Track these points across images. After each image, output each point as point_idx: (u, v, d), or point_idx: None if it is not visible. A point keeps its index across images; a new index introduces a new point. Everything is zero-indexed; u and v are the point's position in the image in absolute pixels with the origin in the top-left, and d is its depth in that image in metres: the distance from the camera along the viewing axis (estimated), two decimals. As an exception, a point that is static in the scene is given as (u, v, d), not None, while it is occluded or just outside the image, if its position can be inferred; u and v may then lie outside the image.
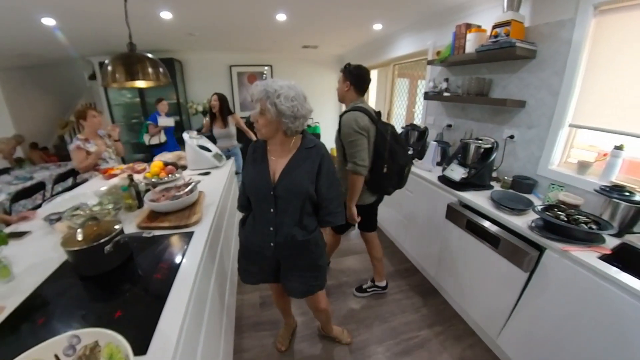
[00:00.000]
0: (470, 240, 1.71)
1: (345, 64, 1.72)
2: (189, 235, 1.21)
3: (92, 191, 1.61)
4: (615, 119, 1.51)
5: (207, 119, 3.26)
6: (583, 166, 1.66)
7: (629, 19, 1.42)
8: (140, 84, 1.92)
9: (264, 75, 5.05)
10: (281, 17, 2.64)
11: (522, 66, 1.94)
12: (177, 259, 1.07)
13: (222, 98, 3.15)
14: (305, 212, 1.17)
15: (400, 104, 3.93)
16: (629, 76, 1.44)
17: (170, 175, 1.90)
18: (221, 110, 3.15)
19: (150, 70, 1.74)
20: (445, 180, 2.00)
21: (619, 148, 1.46)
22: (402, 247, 2.68)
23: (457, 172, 1.91)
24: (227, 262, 1.74)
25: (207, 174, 2.10)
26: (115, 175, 2.16)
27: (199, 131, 2.57)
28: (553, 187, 1.72)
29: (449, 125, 2.59)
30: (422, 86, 3.70)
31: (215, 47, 4.32)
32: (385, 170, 1.62)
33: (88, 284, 0.95)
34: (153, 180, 1.86)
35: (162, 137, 3.68)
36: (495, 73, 2.14)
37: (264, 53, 4.84)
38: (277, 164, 1.14)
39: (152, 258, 1.08)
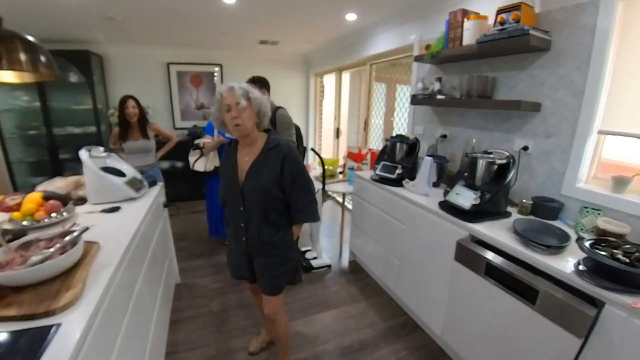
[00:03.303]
0: (493, 291, 1.43)
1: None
2: (45, 334, 0.77)
3: None
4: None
5: (117, 128, 2.76)
6: (620, 182, 1.48)
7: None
8: (6, 76, 1.45)
9: (215, 77, 4.65)
10: (229, -2, 2.33)
11: (533, 61, 1.79)
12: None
13: (138, 103, 2.75)
14: (273, 210, 1.41)
15: (378, 112, 3.74)
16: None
17: (54, 216, 1.42)
18: (140, 119, 2.73)
19: (22, 56, 1.31)
20: (448, 207, 1.74)
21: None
22: (394, 294, 2.35)
23: (464, 197, 1.65)
24: None
25: (114, 210, 1.62)
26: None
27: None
28: (587, 212, 1.52)
29: (444, 136, 2.39)
30: (403, 92, 3.57)
31: (149, 39, 3.88)
32: None
33: None
34: (24, 223, 1.37)
35: (217, 160, 2.85)
36: (499, 70, 1.97)
37: (211, 49, 4.47)
38: (245, 163, 1.38)
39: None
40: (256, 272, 1.53)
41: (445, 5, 2.25)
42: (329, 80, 4.99)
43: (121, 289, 1.10)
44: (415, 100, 2.33)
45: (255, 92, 1.33)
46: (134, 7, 2.59)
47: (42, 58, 1.30)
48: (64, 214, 1.45)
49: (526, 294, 1.28)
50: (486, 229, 1.53)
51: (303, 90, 5.23)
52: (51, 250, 0.98)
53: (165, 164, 4.24)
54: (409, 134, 2.34)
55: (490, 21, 1.88)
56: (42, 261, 0.93)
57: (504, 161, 1.64)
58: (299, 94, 5.19)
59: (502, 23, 1.74)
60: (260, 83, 2.39)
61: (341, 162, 3.33)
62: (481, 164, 1.67)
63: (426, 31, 2.50)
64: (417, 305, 2.07)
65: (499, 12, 1.75)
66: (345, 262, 2.94)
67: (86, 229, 1.09)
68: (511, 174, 1.63)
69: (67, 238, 1.03)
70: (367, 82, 3.54)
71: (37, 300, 0.87)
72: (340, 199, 3.33)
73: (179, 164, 4.45)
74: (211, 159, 2.79)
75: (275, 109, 2.31)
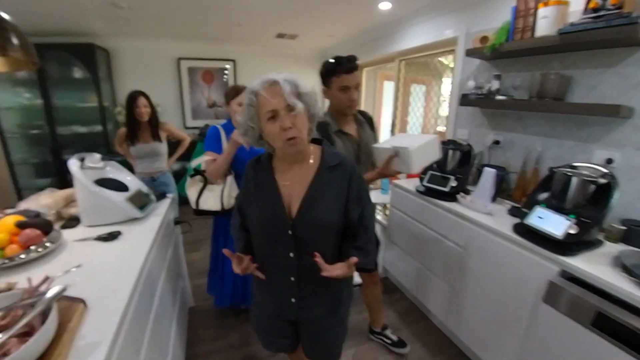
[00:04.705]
0: (604, 348, 1.06)
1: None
2: None
3: None
4: None
5: (123, 129, 2.39)
6: None
7: None
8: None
9: (225, 74, 4.24)
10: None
11: (624, 57, 1.42)
12: None
13: (150, 101, 2.35)
14: (339, 250, 0.99)
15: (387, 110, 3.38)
16: None
17: (34, 250, 1.04)
18: (151, 118, 2.35)
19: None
20: (528, 233, 1.37)
21: None
22: (438, 321, 1.99)
23: (554, 223, 1.28)
24: None
25: (112, 237, 1.23)
26: None
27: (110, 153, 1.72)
28: None
29: (496, 142, 2.00)
30: (415, 91, 3.22)
31: (158, 31, 3.47)
32: None
33: None
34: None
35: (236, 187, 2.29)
36: (576, 67, 1.60)
37: (224, 43, 4.06)
38: (292, 190, 0.94)
39: None
40: (304, 337, 1.11)
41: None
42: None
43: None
44: (466, 100, 1.94)
45: (305, 85, 0.90)
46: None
47: (14, 39, 0.92)
48: (47, 245, 1.07)
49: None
50: (585, 264, 1.17)
51: (319, 89, 4.80)
52: (2, 337, 0.57)
53: (177, 165, 3.85)
54: (461, 140, 1.95)
55: (572, 8, 1.50)
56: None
57: (605, 180, 1.26)
58: (316, 93, 4.77)
59: (595, 9, 1.35)
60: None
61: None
62: (575, 182, 1.29)
63: (474, 22, 2.11)
64: (472, 341, 1.70)
65: (593, -5, 1.37)
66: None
67: (63, 289, 0.70)
68: (615, 197, 1.25)
69: (32, 314, 0.62)
70: (399, 80, 3.12)
71: None
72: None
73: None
74: (229, 187, 1.67)
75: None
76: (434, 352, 1.80)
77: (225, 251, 0.92)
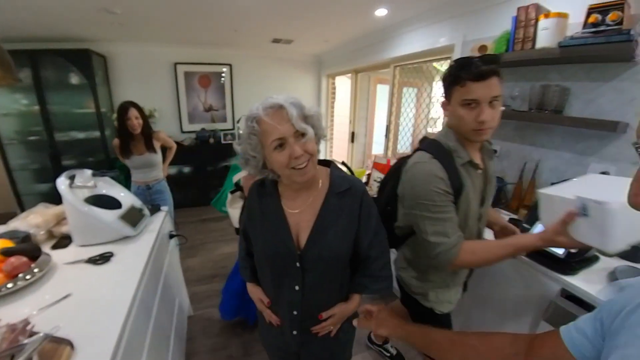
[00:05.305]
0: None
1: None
2: None
3: None
4: None
5: (117, 140, 2.30)
6: None
7: None
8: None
9: (222, 78, 4.14)
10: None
11: (620, 72, 1.38)
12: None
13: (142, 111, 2.26)
14: (345, 283, 0.92)
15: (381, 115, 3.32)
16: None
17: (21, 277, 0.97)
18: (144, 130, 2.25)
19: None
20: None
21: None
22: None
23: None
24: None
25: (104, 259, 1.16)
26: None
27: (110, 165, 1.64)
28: None
29: (494, 151, 1.94)
30: (409, 93, 3.17)
31: (154, 36, 3.38)
32: None
33: None
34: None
35: None
36: (575, 80, 1.55)
37: (220, 48, 3.96)
38: (300, 218, 0.85)
39: None
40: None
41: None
42: (340, 82, 4.52)
43: None
44: (464, 110, 1.87)
45: (310, 107, 0.79)
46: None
47: None
48: (35, 271, 1.00)
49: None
50: (584, 283, 1.13)
51: (314, 92, 4.73)
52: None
53: (173, 170, 3.78)
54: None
55: (572, 20, 1.44)
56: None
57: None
58: (310, 96, 4.69)
59: (594, 24, 1.30)
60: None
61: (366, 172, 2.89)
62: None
63: (471, 30, 2.05)
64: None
65: (592, 10, 1.31)
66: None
67: (44, 339, 0.63)
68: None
69: None
70: (395, 86, 3.05)
71: None
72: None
73: (186, 169, 4.03)
74: None
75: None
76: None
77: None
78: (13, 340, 0.66)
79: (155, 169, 2.39)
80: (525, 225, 1.40)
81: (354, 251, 0.88)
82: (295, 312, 0.89)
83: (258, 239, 0.90)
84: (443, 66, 2.55)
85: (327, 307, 0.90)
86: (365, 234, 0.87)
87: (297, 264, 0.83)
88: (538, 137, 1.73)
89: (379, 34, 2.99)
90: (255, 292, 0.98)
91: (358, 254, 0.90)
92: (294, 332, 0.92)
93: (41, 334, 0.65)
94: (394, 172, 1.12)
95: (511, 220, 1.60)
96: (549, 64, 1.59)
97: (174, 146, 2.61)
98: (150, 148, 2.29)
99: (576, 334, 0.50)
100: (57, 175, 1.25)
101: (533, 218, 1.37)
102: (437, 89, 2.98)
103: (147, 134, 2.28)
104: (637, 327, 0.40)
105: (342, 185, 0.86)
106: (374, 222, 0.89)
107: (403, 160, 1.09)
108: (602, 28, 1.28)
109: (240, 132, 0.82)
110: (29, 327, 0.71)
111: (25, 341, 0.65)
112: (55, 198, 1.30)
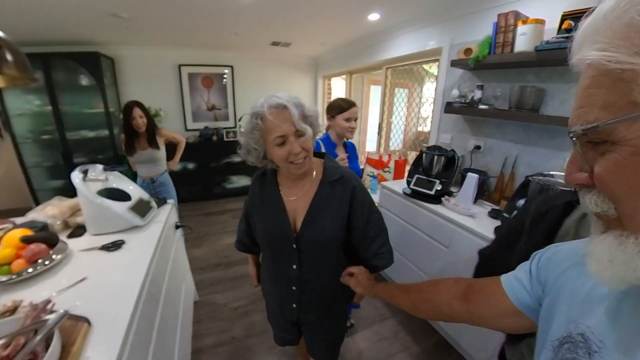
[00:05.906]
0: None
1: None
2: None
3: None
4: None
5: (123, 135, 2.36)
6: None
7: None
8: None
9: (224, 78, 4.19)
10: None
11: (593, 73, 1.40)
12: None
13: (145, 110, 2.33)
14: (340, 263, 0.99)
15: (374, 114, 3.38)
16: None
17: (40, 263, 1.04)
18: (149, 128, 2.33)
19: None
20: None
21: None
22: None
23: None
24: None
25: (116, 246, 1.25)
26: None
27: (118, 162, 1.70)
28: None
29: (477, 147, 2.01)
30: (400, 94, 3.23)
31: (159, 40, 3.44)
32: None
33: None
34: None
35: None
36: (550, 81, 1.61)
37: (222, 50, 4.02)
38: (296, 204, 0.93)
39: None
40: (305, 336, 1.15)
41: (485, 6, 1.85)
42: (336, 82, 4.57)
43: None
44: (450, 108, 1.95)
45: (309, 106, 0.86)
46: (139, 3, 2.14)
47: (8, 56, 0.90)
48: (54, 257, 1.08)
49: None
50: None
51: (311, 92, 4.80)
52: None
53: (178, 166, 3.82)
54: (446, 146, 1.96)
55: (548, 26, 1.49)
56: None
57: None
58: (307, 96, 4.75)
59: (568, 29, 1.36)
60: None
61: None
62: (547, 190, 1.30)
63: (457, 34, 2.11)
64: (452, 329, 1.75)
65: (565, 16, 1.37)
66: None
67: (64, 314, 0.70)
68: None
69: (34, 342, 0.61)
70: (387, 87, 3.11)
71: None
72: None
73: (190, 165, 4.09)
74: None
75: None
76: (418, 340, 1.86)
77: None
78: (36, 317, 0.72)
79: (158, 163, 2.46)
80: (505, 215, 1.47)
81: (352, 233, 0.95)
82: (294, 288, 0.98)
83: (259, 223, 0.99)
84: (432, 68, 2.60)
85: (324, 285, 0.99)
86: (359, 217, 0.93)
87: (294, 246, 0.91)
88: (517, 134, 1.79)
89: (372, 38, 3.05)
90: (250, 267, 1.20)
91: (356, 236, 0.95)
92: (294, 306, 1.01)
93: (61, 311, 0.71)
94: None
95: (493, 211, 1.67)
96: (527, 67, 1.66)
97: (182, 140, 2.66)
98: (153, 144, 2.36)
99: (516, 283, 0.53)
100: (70, 172, 1.32)
101: (511, 208, 1.44)
102: (427, 91, 3.04)
103: (151, 132, 2.35)
104: (563, 289, 0.44)
105: (334, 174, 0.93)
106: (367, 205, 0.95)
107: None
108: (574, 33, 1.33)
109: (242, 130, 0.89)
110: (49, 306, 0.77)
111: (47, 317, 0.72)
112: (68, 193, 1.37)
